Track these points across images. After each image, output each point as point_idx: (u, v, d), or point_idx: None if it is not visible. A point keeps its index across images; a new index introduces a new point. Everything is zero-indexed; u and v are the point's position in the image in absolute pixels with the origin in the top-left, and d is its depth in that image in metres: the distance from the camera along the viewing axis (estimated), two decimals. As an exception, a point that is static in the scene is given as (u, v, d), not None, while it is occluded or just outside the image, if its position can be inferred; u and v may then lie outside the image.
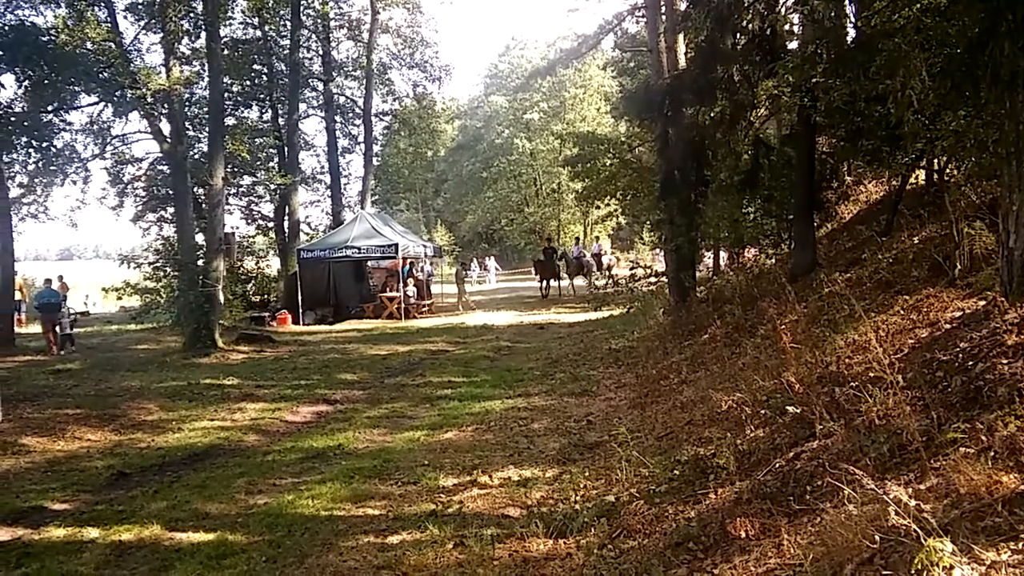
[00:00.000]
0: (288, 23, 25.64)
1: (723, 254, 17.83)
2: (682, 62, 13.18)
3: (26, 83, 18.59)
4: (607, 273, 27.22)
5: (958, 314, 5.45)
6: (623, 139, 19.81)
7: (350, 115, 29.93)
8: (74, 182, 22.47)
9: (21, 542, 6.05)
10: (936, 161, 9.93)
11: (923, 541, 2.72)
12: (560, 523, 5.11)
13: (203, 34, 19.82)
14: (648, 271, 16.41)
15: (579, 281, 27.19)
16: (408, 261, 24.30)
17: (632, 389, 9.96)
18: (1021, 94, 4.61)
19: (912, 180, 10.75)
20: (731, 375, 7.65)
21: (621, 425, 7.40)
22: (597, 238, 35.65)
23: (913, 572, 2.68)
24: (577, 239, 35.81)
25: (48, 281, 19.78)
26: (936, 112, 7.72)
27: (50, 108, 19.72)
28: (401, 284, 23.40)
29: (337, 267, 24.42)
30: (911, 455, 3.68)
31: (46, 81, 18.38)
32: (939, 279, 6.55)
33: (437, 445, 8.23)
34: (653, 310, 14.89)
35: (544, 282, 27.17)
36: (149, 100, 18.73)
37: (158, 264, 21.33)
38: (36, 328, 20.11)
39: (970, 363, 4.22)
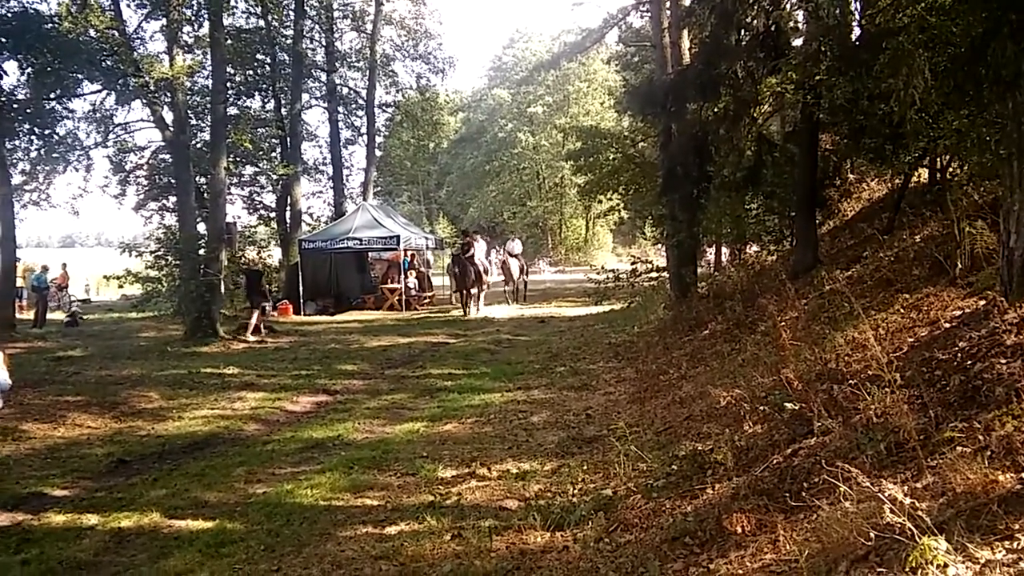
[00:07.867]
0: (291, 13, 25.55)
1: (724, 250, 17.86)
2: (686, 58, 13.14)
3: (29, 70, 18.59)
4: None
5: (958, 313, 5.46)
6: (626, 134, 19.76)
7: (353, 106, 29.91)
8: (76, 170, 22.58)
9: (21, 528, 6.06)
10: (938, 160, 9.94)
11: (918, 539, 2.73)
12: (557, 516, 5.12)
13: (206, 23, 19.78)
14: (649, 266, 16.46)
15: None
16: (410, 253, 24.29)
17: (631, 384, 9.97)
18: (1022, 95, 4.62)
19: (914, 179, 10.75)
20: (730, 371, 7.67)
21: (620, 419, 7.41)
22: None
23: (907, 570, 2.69)
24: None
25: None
26: (939, 111, 7.70)
27: (53, 96, 19.72)
28: (402, 275, 23.41)
29: (339, 258, 24.43)
30: (908, 453, 3.69)
31: (49, 68, 18.35)
32: (940, 278, 6.56)
33: (436, 437, 8.24)
34: (654, 305, 14.91)
35: (460, 293, 21.66)
36: (152, 88, 18.70)
37: (160, 253, 21.31)
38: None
39: (969, 362, 4.22)
